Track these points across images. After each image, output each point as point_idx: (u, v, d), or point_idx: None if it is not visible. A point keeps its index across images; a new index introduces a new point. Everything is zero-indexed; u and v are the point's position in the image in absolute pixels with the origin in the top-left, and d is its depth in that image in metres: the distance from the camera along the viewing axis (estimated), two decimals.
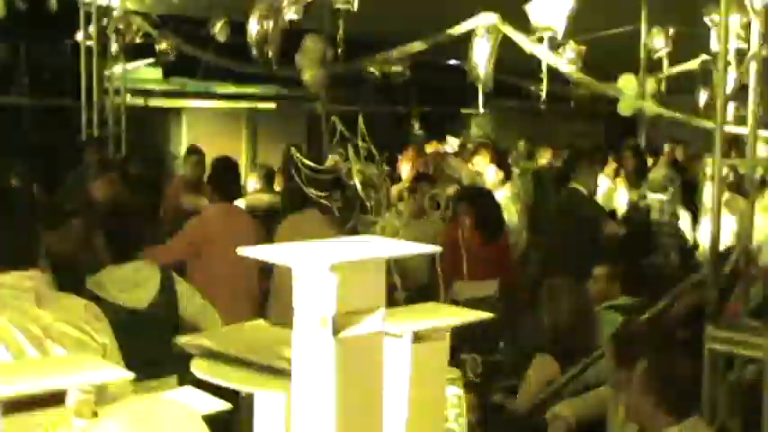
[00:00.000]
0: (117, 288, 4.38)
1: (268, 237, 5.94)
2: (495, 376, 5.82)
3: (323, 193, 2.87)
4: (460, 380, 2.43)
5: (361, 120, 2.72)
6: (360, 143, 2.78)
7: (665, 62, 10.67)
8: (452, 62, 12.67)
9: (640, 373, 3.80)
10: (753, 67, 4.57)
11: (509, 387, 5.47)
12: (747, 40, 4.69)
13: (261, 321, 2.46)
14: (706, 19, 6.14)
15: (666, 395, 3.71)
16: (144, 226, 4.82)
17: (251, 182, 8.80)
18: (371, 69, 8.81)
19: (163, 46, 9.25)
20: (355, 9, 6.61)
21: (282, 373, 1.90)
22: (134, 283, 4.46)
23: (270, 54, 7.27)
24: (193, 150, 9.26)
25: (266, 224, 6.57)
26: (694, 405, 3.87)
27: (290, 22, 7.27)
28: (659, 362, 3.83)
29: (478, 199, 7.21)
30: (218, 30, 8.61)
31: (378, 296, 1.68)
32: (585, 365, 4.99)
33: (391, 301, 2.16)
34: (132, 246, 4.56)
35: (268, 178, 8.66)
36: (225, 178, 6.36)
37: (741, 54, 4.75)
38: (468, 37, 8.46)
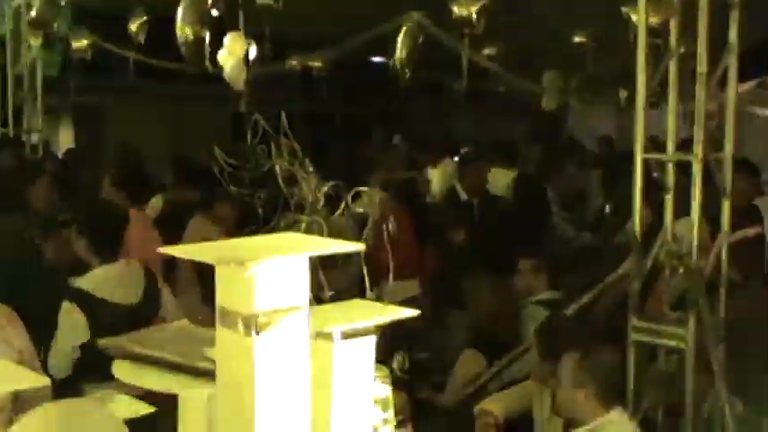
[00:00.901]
0: (106, 287, 4.34)
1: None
2: (424, 373, 5.84)
3: (246, 191, 2.83)
4: (388, 377, 2.42)
5: (283, 117, 2.70)
6: (283, 140, 2.75)
7: (589, 58, 10.80)
8: (377, 60, 12.68)
9: (567, 366, 3.84)
10: (672, 64, 4.64)
11: (437, 383, 5.49)
12: (666, 36, 4.77)
13: (185, 321, 2.43)
14: (625, 16, 6.22)
15: (595, 387, 3.76)
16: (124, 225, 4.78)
17: (170, 178, 8.62)
18: (293, 62, 8.76)
19: (82, 43, 9.06)
20: (281, 6, 6.56)
21: (206, 374, 1.87)
22: (122, 282, 4.45)
23: (197, 52, 7.19)
24: (121, 149, 9.10)
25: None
26: (621, 395, 3.93)
27: (215, 19, 7.20)
28: (587, 354, 3.87)
29: (408, 197, 7.27)
30: (137, 27, 8.44)
31: (301, 294, 1.66)
32: (511, 360, 5.03)
33: (318, 299, 2.15)
34: (116, 245, 4.54)
35: (189, 175, 8.52)
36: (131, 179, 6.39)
37: (660, 50, 4.81)
38: (392, 35, 8.48)
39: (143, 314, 4.32)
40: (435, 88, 13.55)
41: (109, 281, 4.39)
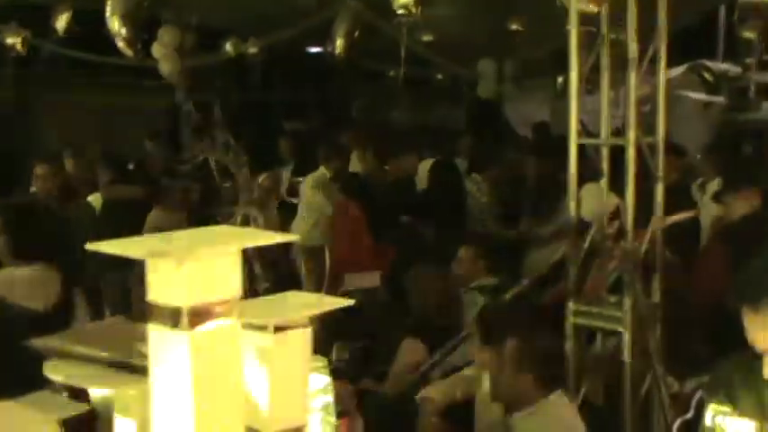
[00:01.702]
0: (13, 290, 4.21)
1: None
2: (367, 362, 5.85)
3: (181, 184, 2.81)
4: (327, 367, 2.42)
5: (217, 109, 2.67)
6: (217, 132, 2.73)
7: (523, 45, 10.88)
8: (314, 49, 12.64)
9: (509, 351, 3.87)
10: (603, 50, 4.69)
11: (379, 373, 5.50)
12: (598, 23, 4.82)
13: (121, 318, 2.40)
14: (558, 3, 6.26)
15: (534, 371, 3.79)
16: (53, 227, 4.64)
17: (103, 174, 8.43)
18: (228, 48, 8.69)
19: (14, 39, 8.90)
20: None
21: (141, 371, 1.85)
22: (31, 287, 4.30)
23: (131, 45, 7.11)
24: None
25: (127, 215, 6.45)
26: (560, 379, 3.97)
27: (148, 12, 7.11)
28: (526, 339, 3.90)
29: (362, 190, 7.26)
30: (63, 21, 8.28)
31: (234, 286, 1.64)
32: (452, 347, 5.05)
33: (253, 291, 2.13)
34: (36, 247, 4.39)
35: (120, 170, 8.38)
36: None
37: (592, 36, 4.86)
38: (329, 23, 8.46)
39: (50, 323, 4.23)
40: (373, 76, 13.56)
41: (16, 284, 4.27)
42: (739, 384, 2.89)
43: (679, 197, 6.98)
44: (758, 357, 2.82)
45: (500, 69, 10.82)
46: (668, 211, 5.02)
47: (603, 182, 4.83)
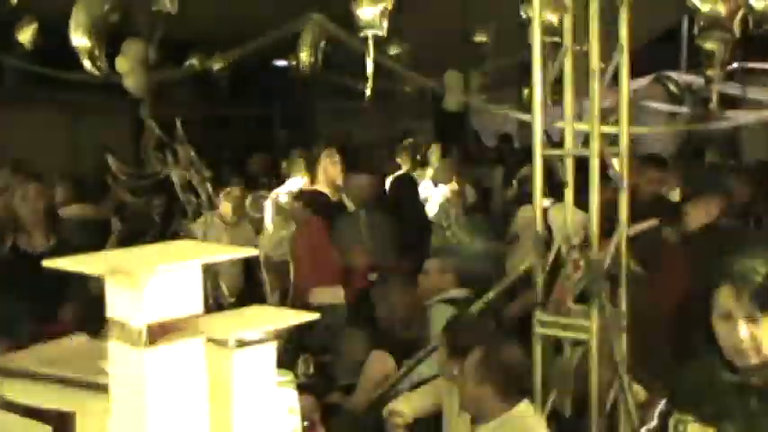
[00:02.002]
0: None
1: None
2: (332, 376, 5.83)
3: (142, 200, 2.79)
4: (293, 382, 2.41)
5: (179, 124, 2.66)
6: (179, 147, 2.72)
7: (489, 57, 10.91)
8: (280, 63, 12.62)
9: (473, 363, 3.89)
10: (567, 61, 4.72)
11: (347, 386, 5.49)
12: (562, 34, 4.84)
13: (83, 336, 2.38)
14: (522, 14, 6.30)
15: (498, 382, 3.80)
16: None
17: (60, 192, 8.28)
18: (193, 62, 8.63)
19: None
20: (175, 11, 6.46)
21: (104, 389, 1.83)
22: None
23: (95, 61, 7.05)
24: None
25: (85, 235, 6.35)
26: (526, 390, 3.98)
27: (111, 24, 7.06)
28: (490, 351, 3.92)
29: (325, 207, 7.28)
30: (27, 35, 8.20)
31: (195, 302, 1.63)
32: (420, 359, 5.05)
33: (218, 307, 2.12)
34: None
35: (76, 188, 8.26)
36: None
37: (557, 48, 4.89)
38: (294, 37, 8.44)
39: None
40: (339, 90, 13.54)
41: None
42: (701, 390, 2.92)
43: (659, 208, 7.05)
44: (718, 361, 2.85)
45: (466, 81, 10.83)
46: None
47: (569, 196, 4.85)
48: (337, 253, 7.03)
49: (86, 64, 7.04)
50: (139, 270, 1.54)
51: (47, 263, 1.60)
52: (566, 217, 4.82)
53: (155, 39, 6.88)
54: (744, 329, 2.74)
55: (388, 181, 9.55)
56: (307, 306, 6.02)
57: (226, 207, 7.16)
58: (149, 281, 1.54)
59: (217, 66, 9.42)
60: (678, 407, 2.91)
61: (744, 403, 2.80)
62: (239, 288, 5.68)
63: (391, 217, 8.01)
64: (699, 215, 5.85)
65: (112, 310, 1.59)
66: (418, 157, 11.07)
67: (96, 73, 7.13)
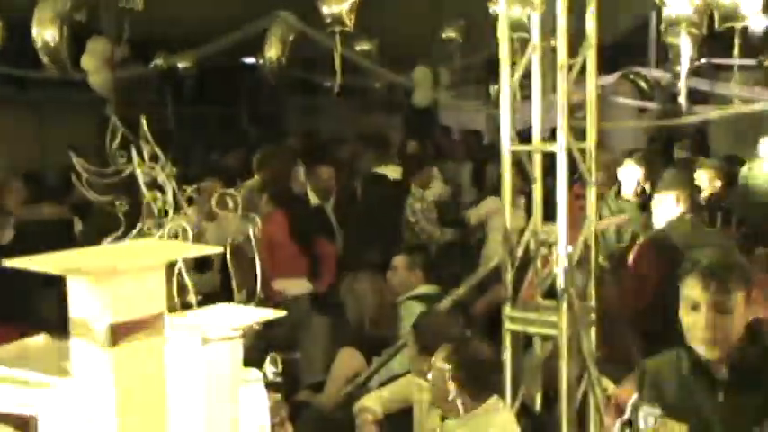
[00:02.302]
0: None
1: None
2: (303, 374, 5.82)
3: (106, 198, 2.76)
4: (260, 380, 2.39)
5: (144, 122, 2.63)
6: (144, 144, 2.69)
7: (458, 53, 10.92)
8: (248, 61, 12.57)
9: (440, 360, 3.89)
10: (535, 57, 4.73)
11: (317, 384, 5.48)
12: (530, 30, 4.85)
13: (46, 336, 2.35)
14: (490, 10, 6.31)
15: (466, 378, 3.81)
16: None
17: (19, 192, 8.12)
18: (158, 62, 8.58)
19: None
20: (140, 8, 6.42)
21: (67, 390, 1.81)
22: None
23: (56, 57, 6.99)
24: None
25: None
26: (495, 385, 3.99)
27: (75, 22, 7.00)
28: (458, 347, 3.93)
29: (290, 201, 7.25)
30: None
31: (159, 301, 1.62)
32: (390, 356, 5.04)
33: (184, 305, 2.10)
34: None
35: (34, 188, 8.14)
36: None
37: (525, 44, 4.89)
38: (262, 35, 8.41)
39: None
40: (308, 86, 13.53)
41: None
42: (667, 383, 2.93)
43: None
44: (686, 354, 2.87)
45: (435, 77, 10.85)
46: None
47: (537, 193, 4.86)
48: (301, 248, 7.04)
49: (47, 61, 6.99)
50: (102, 270, 1.53)
51: (9, 262, 1.59)
52: (535, 213, 4.84)
53: (122, 37, 6.83)
54: (709, 319, 2.77)
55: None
56: (274, 303, 5.99)
57: (199, 204, 7.11)
58: (112, 280, 1.52)
59: (182, 64, 9.39)
60: (647, 400, 2.92)
61: (712, 397, 2.82)
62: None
63: (362, 213, 8.01)
64: (667, 207, 5.89)
65: (75, 309, 1.57)
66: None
67: (58, 71, 7.08)
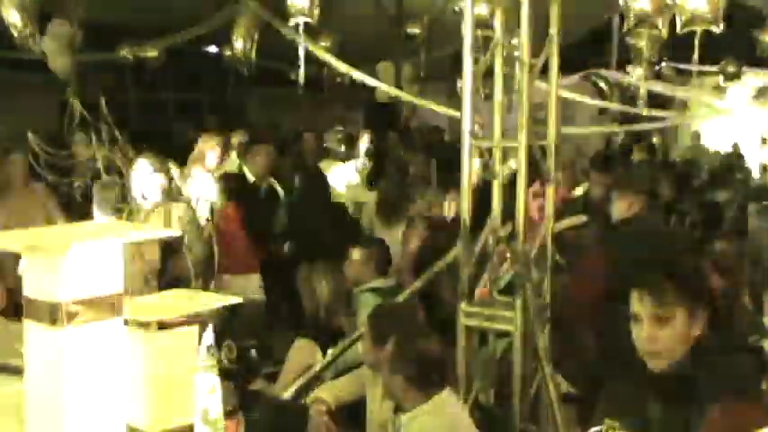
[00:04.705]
0: None
1: None
2: (255, 364, 5.78)
3: (64, 179, 2.74)
4: (215, 367, 2.38)
5: (103, 104, 2.62)
6: (104, 127, 2.68)
7: (423, 49, 10.95)
8: (211, 49, 12.50)
9: (388, 353, 3.91)
10: (497, 54, 4.74)
11: (271, 374, 5.46)
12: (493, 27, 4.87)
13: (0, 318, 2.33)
14: (454, 7, 6.33)
15: (412, 371, 3.82)
16: None
17: None
18: (124, 53, 8.52)
19: None
20: None
21: (20, 372, 1.79)
22: None
23: (27, 39, 6.92)
24: None
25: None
26: (443, 380, 3.98)
27: (37, 4, 6.93)
28: (405, 340, 3.93)
29: (243, 192, 7.23)
30: None
31: (116, 282, 1.60)
32: (345, 347, 5.04)
33: (148, 290, 2.09)
34: None
35: None
36: None
37: (488, 41, 4.91)
38: (227, 25, 8.37)
39: None
40: (272, 77, 13.47)
41: None
42: (621, 393, 2.95)
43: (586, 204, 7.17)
44: (641, 365, 2.87)
45: (398, 72, 10.88)
46: None
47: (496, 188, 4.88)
48: (254, 239, 7.05)
49: (19, 42, 6.92)
50: (57, 248, 1.51)
51: None
52: (494, 209, 4.86)
53: (82, 20, 6.75)
54: (649, 332, 2.78)
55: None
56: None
57: None
58: (67, 259, 1.51)
59: (150, 54, 9.32)
60: (606, 413, 2.91)
61: (653, 409, 2.83)
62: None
63: (317, 205, 8.01)
64: (621, 208, 5.96)
65: (29, 288, 1.55)
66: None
67: (35, 49, 7.01)
